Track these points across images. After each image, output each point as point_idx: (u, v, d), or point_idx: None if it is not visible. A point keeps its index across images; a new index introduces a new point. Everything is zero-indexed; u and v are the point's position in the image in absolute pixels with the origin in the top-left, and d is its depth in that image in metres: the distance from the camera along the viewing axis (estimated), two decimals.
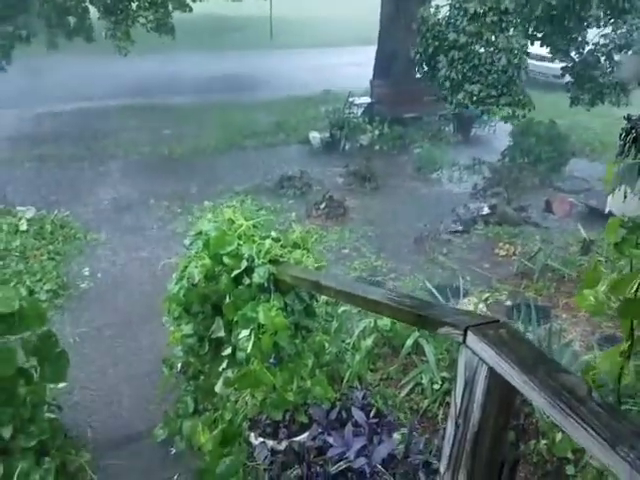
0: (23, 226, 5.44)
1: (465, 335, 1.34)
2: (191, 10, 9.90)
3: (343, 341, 3.12)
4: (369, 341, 3.20)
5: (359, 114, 9.01)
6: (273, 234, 2.54)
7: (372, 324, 3.31)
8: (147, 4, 7.28)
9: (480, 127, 9.15)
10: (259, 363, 2.22)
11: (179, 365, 2.86)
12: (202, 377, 2.87)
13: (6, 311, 2.26)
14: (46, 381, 2.56)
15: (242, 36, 18.85)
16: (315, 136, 8.62)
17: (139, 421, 3.14)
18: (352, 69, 13.80)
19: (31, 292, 4.39)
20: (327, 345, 2.76)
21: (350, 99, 8.97)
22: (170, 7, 7.90)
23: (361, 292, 1.72)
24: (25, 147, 8.24)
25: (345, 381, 2.97)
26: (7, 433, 2.30)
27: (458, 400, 1.47)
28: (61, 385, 2.97)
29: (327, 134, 8.52)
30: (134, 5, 7.54)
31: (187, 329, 2.71)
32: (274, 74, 14.50)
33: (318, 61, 15.63)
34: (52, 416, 2.70)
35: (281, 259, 2.38)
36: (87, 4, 8.43)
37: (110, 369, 3.66)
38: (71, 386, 3.23)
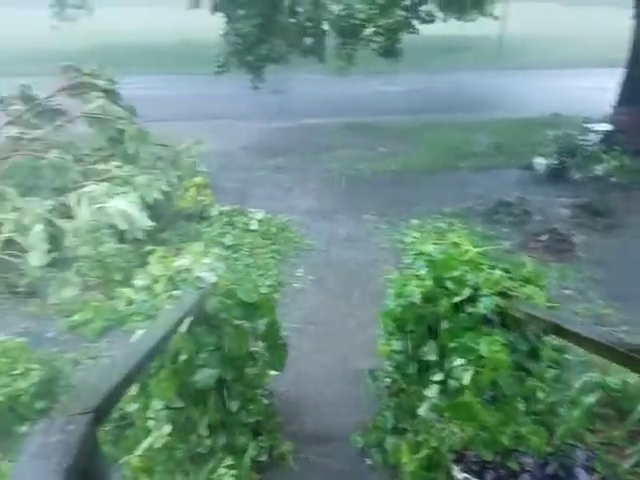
0: (254, 226, 6.12)
1: None
2: (417, 32, 10.10)
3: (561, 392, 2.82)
4: (592, 398, 2.84)
5: (595, 142, 8.16)
6: (501, 265, 2.43)
7: (597, 379, 2.93)
8: (382, 30, 7.63)
9: None
10: (473, 396, 2.12)
11: (385, 379, 2.90)
12: (404, 395, 2.87)
13: (247, 301, 2.55)
14: (268, 367, 2.82)
15: (468, 56, 18.63)
16: (540, 162, 8.04)
17: (339, 423, 3.25)
18: (587, 93, 12.63)
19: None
20: (544, 393, 2.52)
21: (586, 125, 8.18)
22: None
23: (621, 347, 1.51)
24: (260, 157, 9.28)
25: (558, 436, 2.69)
26: (235, 407, 2.59)
27: None
28: (273, 373, 3.25)
29: (554, 160, 7.88)
30: (368, 31, 7.97)
31: (397, 345, 2.73)
32: (499, 94, 14.03)
33: (549, 83, 14.67)
34: (266, 401, 2.97)
35: (509, 292, 2.25)
36: (325, 27, 9.14)
37: (316, 367, 3.87)
38: (280, 376, 3.50)
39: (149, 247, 5.25)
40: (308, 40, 9.02)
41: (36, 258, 4.96)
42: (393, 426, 2.85)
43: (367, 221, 6.65)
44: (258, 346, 2.81)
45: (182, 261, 2.67)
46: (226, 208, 6.38)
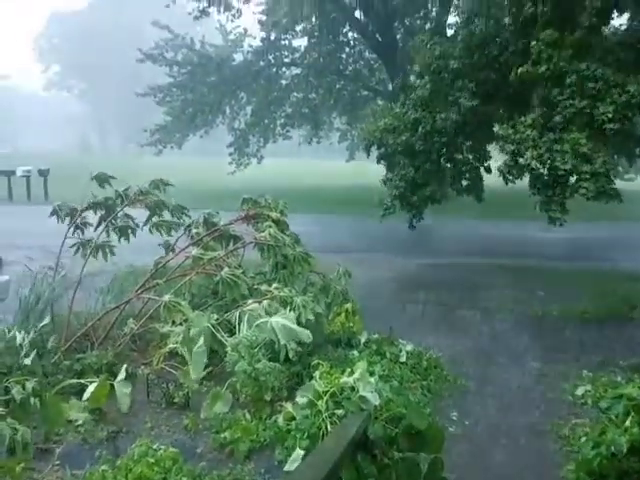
0: (402, 358, 5.89)
1: None
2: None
3: None
4: None
5: None
6: None
7: None
8: (588, 176, 7.59)
9: None
10: None
11: None
12: None
13: (417, 429, 2.34)
14: None
15: (633, 208, 17.91)
16: None
17: None
18: None
19: None
20: None
21: None
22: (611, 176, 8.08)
23: None
24: (411, 290, 9.32)
25: None
26: None
27: None
28: None
29: None
30: (573, 179, 7.97)
31: None
32: None
33: None
34: None
35: None
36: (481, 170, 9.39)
37: None
38: None
39: (298, 368, 5.28)
40: (465, 182, 9.32)
41: (195, 371, 5.21)
42: None
43: (529, 367, 6.09)
44: None
45: (346, 378, 2.56)
46: (374, 336, 6.28)
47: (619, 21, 8.84)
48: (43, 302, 6.11)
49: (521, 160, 8.04)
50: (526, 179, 8.85)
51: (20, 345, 5.28)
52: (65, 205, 6.45)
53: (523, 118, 7.93)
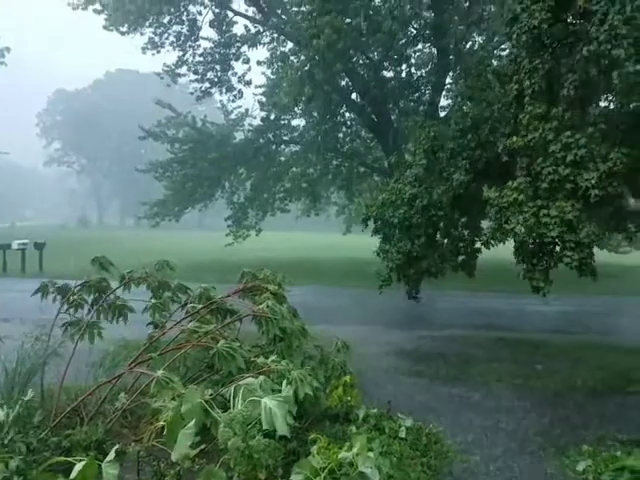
0: (402, 433, 5.72)
1: None
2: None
3: None
4: None
5: None
6: None
7: None
8: (572, 245, 7.60)
9: None
10: None
11: None
12: None
13: None
14: None
15: (622, 282, 18.22)
16: None
17: None
18: None
19: None
20: None
21: None
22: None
23: None
24: (407, 363, 9.18)
25: None
26: None
27: None
28: None
29: None
30: (558, 248, 8.02)
31: None
32: None
33: None
34: None
35: None
36: (479, 245, 9.56)
37: None
38: None
39: (294, 445, 5.10)
40: (460, 258, 9.48)
41: (178, 452, 4.99)
42: None
43: (530, 442, 5.93)
44: None
45: (345, 454, 2.51)
46: (373, 411, 6.13)
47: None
48: (29, 376, 5.96)
49: (506, 225, 8.09)
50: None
51: (4, 421, 5.10)
52: (51, 282, 6.46)
53: (510, 182, 8.11)
